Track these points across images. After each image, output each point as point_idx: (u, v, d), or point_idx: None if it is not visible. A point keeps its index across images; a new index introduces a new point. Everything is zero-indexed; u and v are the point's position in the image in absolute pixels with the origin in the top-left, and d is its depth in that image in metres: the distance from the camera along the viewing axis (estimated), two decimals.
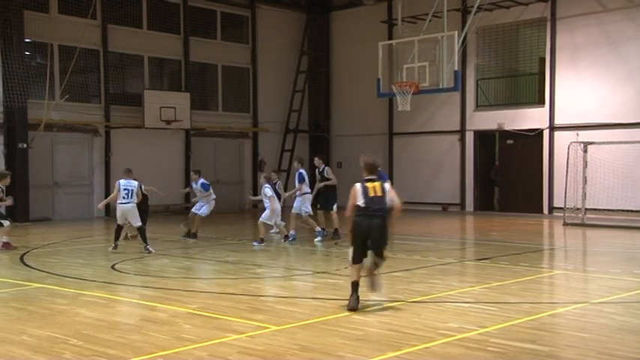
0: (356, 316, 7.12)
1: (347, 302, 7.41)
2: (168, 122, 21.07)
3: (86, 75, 20.88)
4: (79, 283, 9.20)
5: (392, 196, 7.54)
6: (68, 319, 7.08)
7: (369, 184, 7.54)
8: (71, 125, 20.02)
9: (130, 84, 22.05)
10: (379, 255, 7.54)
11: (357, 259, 7.46)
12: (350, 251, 7.54)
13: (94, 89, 21.00)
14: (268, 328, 6.64)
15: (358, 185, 7.56)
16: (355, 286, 7.39)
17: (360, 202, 7.41)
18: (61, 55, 19.69)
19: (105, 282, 9.40)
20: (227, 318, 7.07)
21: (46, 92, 18.69)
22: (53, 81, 19.37)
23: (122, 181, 12.51)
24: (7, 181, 12.81)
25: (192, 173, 15.33)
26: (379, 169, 8.22)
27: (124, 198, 12.36)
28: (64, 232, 16.04)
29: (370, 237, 7.39)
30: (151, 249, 12.21)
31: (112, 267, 10.66)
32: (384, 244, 7.51)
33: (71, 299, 8.13)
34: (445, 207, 22.55)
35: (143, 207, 13.17)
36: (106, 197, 20.80)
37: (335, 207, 14.17)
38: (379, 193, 7.46)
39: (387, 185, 7.68)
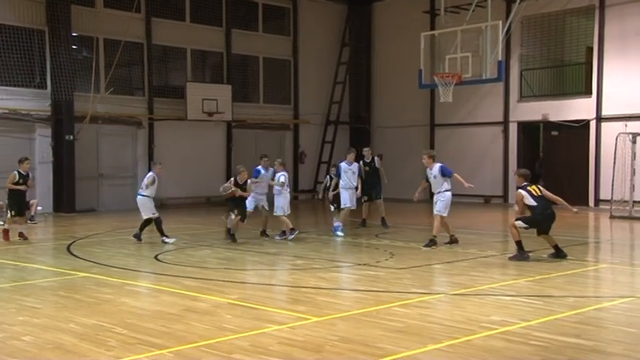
0: (397, 308, 7.11)
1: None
2: (210, 114, 21.29)
3: (130, 68, 21.24)
4: (123, 273, 9.40)
5: None
6: (113, 307, 7.25)
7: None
8: (116, 117, 20.42)
9: (173, 77, 22.35)
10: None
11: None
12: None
13: (138, 82, 21.36)
14: (309, 319, 6.67)
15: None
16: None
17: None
18: (106, 48, 20.08)
19: (148, 272, 9.59)
20: (267, 309, 7.13)
21: (92, 85, 19.09)
22: (99, 74, 19.76)
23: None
24: (27, 165, 12.87)
25: (277, 164, 13.54)
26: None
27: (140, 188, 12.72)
28: (109, 223, 16.40)
29: None
30: (167, 240, 12.28)
31: (155, 257, 10.85)
32: None
33: (116, 288, 8.31)
34: (487, 199, 22.25)
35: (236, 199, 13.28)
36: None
37: (382, 196, 14.80)
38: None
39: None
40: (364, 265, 9.97)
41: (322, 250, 11.94)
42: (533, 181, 10.71)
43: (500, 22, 16.25)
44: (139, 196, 12.76)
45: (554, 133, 21.41)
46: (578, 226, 15.94)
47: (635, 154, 17.36)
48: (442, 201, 11.61)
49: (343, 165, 13.92)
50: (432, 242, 11.62)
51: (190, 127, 21.62)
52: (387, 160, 24.26)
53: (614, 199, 17.39)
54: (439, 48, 17.09)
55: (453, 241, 11.94)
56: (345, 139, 25.37)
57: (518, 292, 7.98)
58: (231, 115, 21.93)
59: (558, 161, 21.09)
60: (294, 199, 24.12)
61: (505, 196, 22.01)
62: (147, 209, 12.59)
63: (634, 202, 17.25)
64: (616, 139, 17.55)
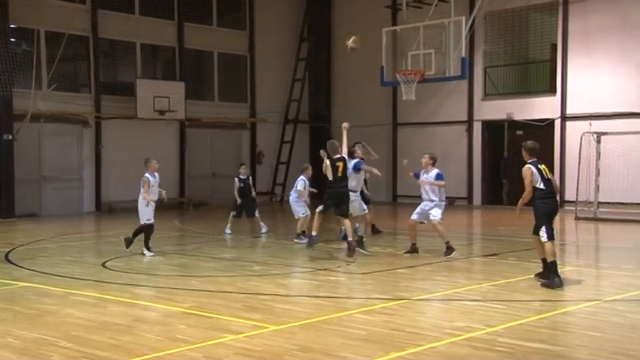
0: (358, 315, 7.13)
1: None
2: (161, 113, 21.04)
3: (75, 63, 20.85)
4: (67, 282, 9.21)
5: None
6: (56, 319, 7.10)
7: None
8: (59, 116, 20.01)
9: (122, 72, 22.02)
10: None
11: None
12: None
13: (84, 78, 20.97)
14: (266, 327, 6.64)
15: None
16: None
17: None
18: (48, 41, 19.65)
19: (95, 280, 9.41)
20: (223, 317, 7.08)
21: (33, 81, 18.66)
22: (40, 69, 19.34)
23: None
24: None
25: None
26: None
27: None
28: (52, 229, 16.05)
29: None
30: (147, 253, 11.54)
31: (103, 265, 10.68)
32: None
33: (60, 299, 8.14)
34: (452, 201, 22.50)
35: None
36: (97, 192, 20.96)
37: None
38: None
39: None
40: (325, 270, 9.98)
41: (281, 255, 11.92)
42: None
43: (464, 17, 16.51)
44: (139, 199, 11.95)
45: (519, 132, 21.81)
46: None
47: (599, 153, 17.81)
48: (438, 206, 11.15)
49: (304, 181, 13.13)
50: (449, 250, 11.04)
51: (141, 126, 21.33)
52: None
53: (579, 200, 17.81)
54: (401, 44, 17.27)
55: (414, 250, 11.50)
56: (304, 139, 25.41)
57: (483, 296, 8.10)
58: (184, 113, 21.72)
59: (523, 161, 21.46)
60: (250, 202, 24.04)
61: (470, 198, 22.34)
62: (141, 214, 11.77)
63: (599, 203, 17.70)
64: (581, 139, 17.99)
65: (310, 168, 13.66)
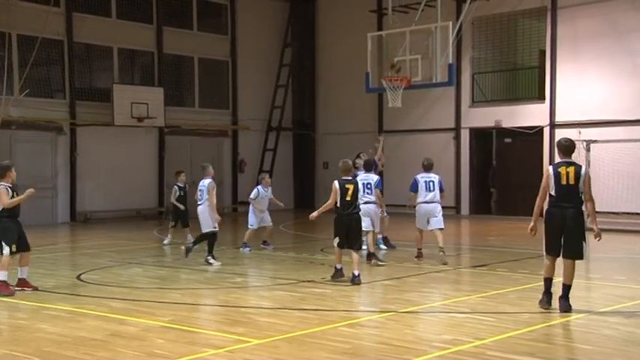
0: (343, 329, 7.12)
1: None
2: (139, 119, 20.95)
3: (49, 68, 20.71)
4: (40, 296, 9.11)
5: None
6: (28, 335, 7.01)
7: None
8: (32, 122, 19.85)
9: (98, 78, 21.91)
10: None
11: None
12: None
13: (58, 83, 20.84)
14: (249, 341, 6.61)
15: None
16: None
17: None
18: (20, 45, 19.51)
19: (69, 294, 9.32)
20: (203, 331, 7.04)
21: (4, 86, 18.47)
22: (11, 74, 19.19)
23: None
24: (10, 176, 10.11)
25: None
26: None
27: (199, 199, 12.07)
28: None
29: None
30: (212, 262, 11.62)
31: (78, 277, 10.59)
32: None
33: (31, 313, 8.05)
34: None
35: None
36: (72, 202, 20.80)
37: None
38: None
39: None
40: (309, 282, 9.97)
41: (263, 266, 11.88)
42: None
43: (451, 22, 16.62)
44: (199, 206, 11.96)
45: (508, 140, 21.98)
46: (533, 238, 16.35)
47: (589, 162, 17.96)
48: (440, 212, 11.78)
49: (257, 190, 13.32)
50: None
51: (118, 133, 21.22)
52: (333, 170, 24.41)
53: None
54: (387, 49, 17.34)
55: (420, 255, 12.02)
56: (288, 147, 25.41)
57: (472, 308, 8.13)
58: (163, 120, 21.64)
59: (512, 170, 21.66)
60: (232, 212, 24.03)
61: (457, 207, 22.43)
62: (206, 222, 11.82)
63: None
64: None
65: (267, 178, 13.88)
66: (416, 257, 11.93)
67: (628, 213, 18.24)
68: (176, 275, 10.94)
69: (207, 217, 11.81)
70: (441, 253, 11.63)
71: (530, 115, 20.99)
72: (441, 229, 11.82)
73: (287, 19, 25.33)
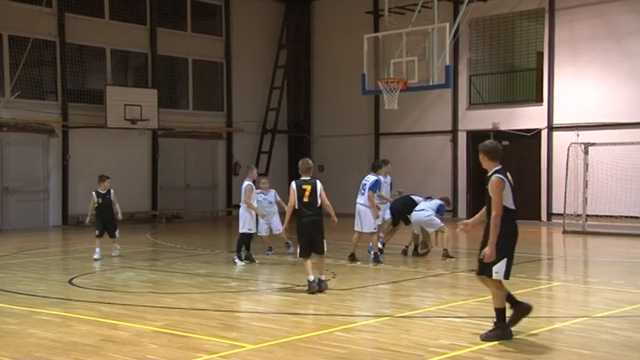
0: (339, 333, 7.11)
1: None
2: (133, 122, 20.92)
3: (41, 69, 20.67)
4: (31, 300, 9.07)
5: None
6: (19, 340, 6.97)
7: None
8: (24, 124, 19.80)
9: (91, 79, 21.87)
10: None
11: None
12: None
13: (50, 85, 20.80)
14: (243, 347, 6.59)
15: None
16: None
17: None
18: (11, 46, 19.47)
19: (61, 298, 9.29)
20: (197, 336, 7.02)
21: None
22: (3, 75, 19.15)
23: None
24: None
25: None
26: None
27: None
28: (15, 244, 15.83)
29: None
30: (238, 262, 12.07)
31: (70, 282, 10.55)
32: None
33: (22, 318, 8.01)
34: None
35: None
36: (64, 205, 20.75)
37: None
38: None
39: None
40: (304, 286, 9.94)
41: (258, 270, 11.86)
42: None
43: (448, 24, 16.64)
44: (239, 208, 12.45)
45: (505, 143, 21.96)
46: (531, 242, 16.39)
47: (587, 165, 18.02)
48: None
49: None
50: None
51: (111, 135, 21.18)
52: (329, 173, 24.45)
53: (566, 213, 17.98)
54: (383, 51, 17.35)
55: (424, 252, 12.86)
56: (283, 149, 25.41)
57: (469, 313, 8.12)
58: (157, 122, 21.61)
59: (509, 173, 21.65)
60: (227, 215, 24.01)
61: (454, 210, 22.45)
62: (242, 222, 12.21)
63: (587, 216, 17.89)
64: (568, 150, 18.19)
65: (263, 181, 13.61)
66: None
67: (627, 217, 18.29)
68: (169, 279, 10.91)
69: (243, 218, 12.20)
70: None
71: (527, 117, 21.04)
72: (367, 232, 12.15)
73: (282, 20, 25.34)
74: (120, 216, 13.33)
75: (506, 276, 6.74)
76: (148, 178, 22.39)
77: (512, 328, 6.89)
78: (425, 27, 16.75)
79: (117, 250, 13.29)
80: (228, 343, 6.71)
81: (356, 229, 12.21)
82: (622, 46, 19.45)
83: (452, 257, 12.64)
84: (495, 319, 6.83)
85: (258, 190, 13.36)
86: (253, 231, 12.34)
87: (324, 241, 9.55)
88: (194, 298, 9.28)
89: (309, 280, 9.38)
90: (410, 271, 11.44)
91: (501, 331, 6.76)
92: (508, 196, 6.75)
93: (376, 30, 21.95)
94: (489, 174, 6.88)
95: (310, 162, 9.77)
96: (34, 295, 9.39)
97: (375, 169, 12.50)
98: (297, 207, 9.44)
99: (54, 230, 19.65)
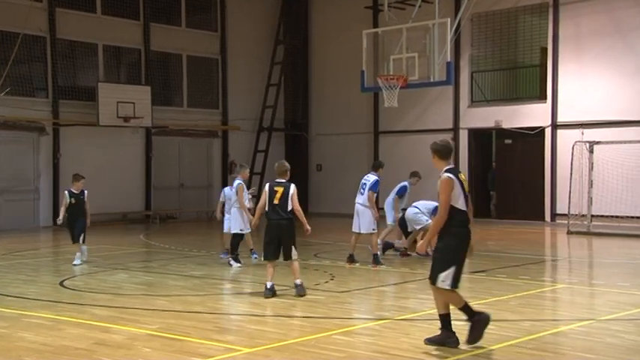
0: (337, 337, 7.11)
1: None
2: (126, 119, 20.91)
3: (31, 65, 20.65)
4: (21, 303, 9.07)
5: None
6: (8, 344, 6.97)
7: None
8: (13, 122, 19.78)
9: (82, 76, 21.86)
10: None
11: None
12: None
13: (40, 81, 20.78)
14: (239, 350, 6.59)
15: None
16: None
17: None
18: (0, 42, 19.44)
19: (52, 301, 9.28)
20: (192, 340, 7.02)
21: None
22: None
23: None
24: None
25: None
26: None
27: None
28: (4, 245, 15.81)
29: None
30: (234, 263, 12.02)
31: (61, 284, 10.54)
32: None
33: (12, 321, 8.00)
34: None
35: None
36: (55, 205, 20.72)
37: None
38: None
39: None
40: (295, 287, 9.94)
41: (254, 272, 11.86)
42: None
43: (449, 19, 16.66)
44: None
45: (508, 141, 22.03)
46: (534, 242, 16.42)
47: (592, 164, 18.03)
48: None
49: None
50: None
51: (103, 133, 21.18)
52: (327, 172, 24.46)
53: (571, 213, 17.99)
54: (383, 47, 17.36)
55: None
56: (280, 148, 25.40)
57: None
58: (150, 120, 21.61)
59: (512, 172, 21.71)
60: (222, 215, 23.94)
61: None
62: (235, 222, 12.24)
63: (592, 216, 17.90)
64: (572, 148, 18.21)
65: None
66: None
67: (633, 217, 18.31)
68: (163, 281, 10.91)
69: (236, 218, 12.21)
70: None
71: (531, 115, 21.06)
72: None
73: (279, 15, 25.34)
74: (89, 221, 12.66)
75: (454, 285, 6.59)
76: (141, 178, 22.38)
77: (517, 333, 6.87)
78: (425, 22, 16.76)
79: (80, 257, 12.34)
80: (223, 347, 6.71)
81: (354, 230, 12.18)
82: (628, 41, 19.47)
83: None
84: (440, 325, 6.70)
85: (229, 187, 13.09)
86: (245, 231, 12.28)
87: (294, 247, 9.41)
88: (189, 300, 9.28)
89: (265, 286, 9.35)
90: (410, 273, 11.45)
91: (445, 336, 6.63)
92: (458, 197, 6.65)
93: (375, 25, 21.95)
94: (440, 173, 6.81)
95: (287, 165, 9.62)
96: (24, 298, 9.39)
97: (375, 168, 12.51)
98: (267, 209, 9.45)
99: (44, 231, 19.64)
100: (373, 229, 12.04)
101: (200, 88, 24.04)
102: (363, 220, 12.00)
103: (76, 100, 20.93)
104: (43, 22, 20.30)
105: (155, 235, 18.30)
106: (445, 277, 6.56)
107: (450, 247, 6.60)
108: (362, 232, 12.08)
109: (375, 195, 12.11)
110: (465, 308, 6.69)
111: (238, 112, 24.49)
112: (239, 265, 12.08)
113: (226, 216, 12.85)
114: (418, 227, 12.84)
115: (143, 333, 7.34)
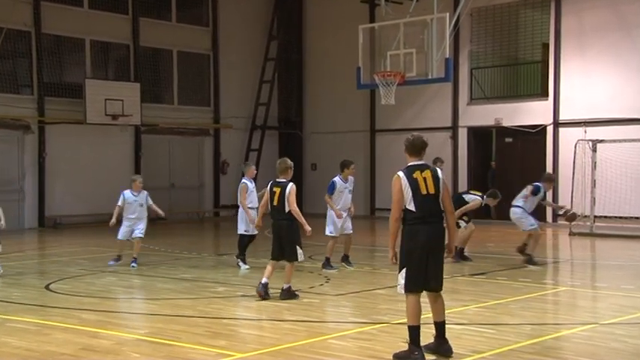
0: (333, 341, 7.12)
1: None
2: (114, 117, 20.89)
3: (15, 61, 20.61)
4: (5, 307, 9.05)
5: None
6: None
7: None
8: None
9: (69, 72, 21.83)
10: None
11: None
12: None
13: (25, 78, 20.74)
14: (232, 355, 6.60)
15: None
16: None
17: None
18: None
19: (37, 305, 9.27)
20: (183, 344, 7.02)
21: None
22: None
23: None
24: None
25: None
26: None
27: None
28: None
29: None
30: (242, 265, 12.09)
31: (47, 287, 10.53)
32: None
33: None
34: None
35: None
36: (40, 205, 20.71)
37: None
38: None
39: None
40: (295, 291, 9.95)
41: (247, 275, 11.86)
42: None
43: (448, 14, 16.68)
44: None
45: (509, 139, 22.06)
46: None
47: (595, 163, 18.07)
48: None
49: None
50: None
51: (91, 132, 21.15)
52: (321, 171, 24.46)
53: None
54: (380, 43, 17.38)
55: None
56: (273, 147, 25.39)
57: (470, 320, 8.15)
58: (140, 118, 21.58)
59: (513, 171, 21.72)
60: (214, 216, 23.99)
61: None
62: (239, 223, 12.18)
63: (595, 217, 17.95)
64: (575, 147, 18.26)
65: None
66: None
67: (636, 218, 18.37)
68: (153, 284, 10.91)
69: (240, 219, 12.15)
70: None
71: (532, 112, 21.10)
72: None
73: (272, 9, 25.34)
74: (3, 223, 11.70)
75: (407, 288, 6.39)
76: (130, 177, 22.26)
77: (517, 337, 6.89)
78: (423, 17, 16.78)
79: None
80: (215, 352, 6.71)
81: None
82: (633, 37, 19.52)
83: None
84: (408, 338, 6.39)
85: (129, 190, 12.82)
86: (249, 233, 12.15)
87: (298, 247, 9.36)
88: (179, 304, 9.27)
89: (260, 281, 9.42)
90: None
91: (410, 352, 6.32)
92: (406, 196, 6.44)
93: (372, 20, 21.96)
94: None
95: (288, 162, 9.54)
96: (8, 302, 9.36)
97: (340, 168, 11.99)
98: (269, 209, 9.53)
99: (29, 233, 19.59)
100: (330, 232, 11.95)
101: (191, 85, 24.03)
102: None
103: (63, 98, 20.89)
104: (27, 16, 20.25)
105: (144, 237, 18.22)
106: (399, 280, 6.49)
107: (402, 249, 6.51)
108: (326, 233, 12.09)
109: (331, 196, 11.78)
110: (413, 330, 6.34)
111: (230, 109, 24.48)
112: (247, 267, 12.06)
113: (124, 223, 12.59)
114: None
115: (132, 338, 7.33)
